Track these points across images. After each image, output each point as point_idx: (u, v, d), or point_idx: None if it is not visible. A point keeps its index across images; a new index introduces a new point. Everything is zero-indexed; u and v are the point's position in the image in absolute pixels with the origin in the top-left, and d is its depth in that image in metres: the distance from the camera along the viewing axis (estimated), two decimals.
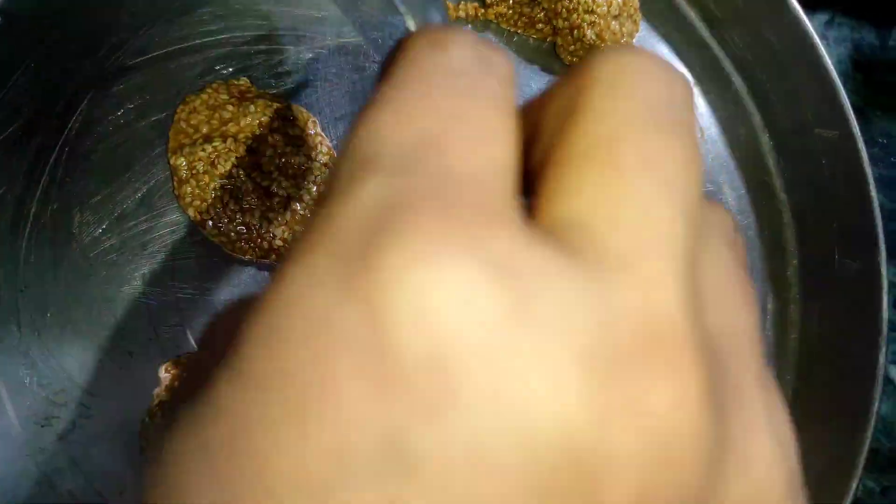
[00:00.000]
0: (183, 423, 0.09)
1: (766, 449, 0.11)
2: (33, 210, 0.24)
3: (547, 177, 0.11)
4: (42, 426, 0.23)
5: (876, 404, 0.21)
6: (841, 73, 0.23)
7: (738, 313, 0.12)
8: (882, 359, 0.21)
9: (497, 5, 0.25)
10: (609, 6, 0.23)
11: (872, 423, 0.21)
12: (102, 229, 0.24)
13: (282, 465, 0.08)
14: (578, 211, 0.10)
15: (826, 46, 0.23)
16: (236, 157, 0.26)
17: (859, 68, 0.27)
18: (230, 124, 0.26)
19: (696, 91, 0.25)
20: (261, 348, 0.09)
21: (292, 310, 0.09)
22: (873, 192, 0.22)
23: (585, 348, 0.09)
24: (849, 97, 0.22)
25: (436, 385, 0.08)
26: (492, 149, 0.10)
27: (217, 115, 0.26)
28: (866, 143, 0.22)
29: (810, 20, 0.22)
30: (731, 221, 0.14)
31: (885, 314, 0.22)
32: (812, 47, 0.23)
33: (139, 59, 0.24)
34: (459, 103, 0.11)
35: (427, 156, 0.10)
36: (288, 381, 0.09)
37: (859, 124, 0.22)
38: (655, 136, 0.11)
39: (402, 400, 0.08)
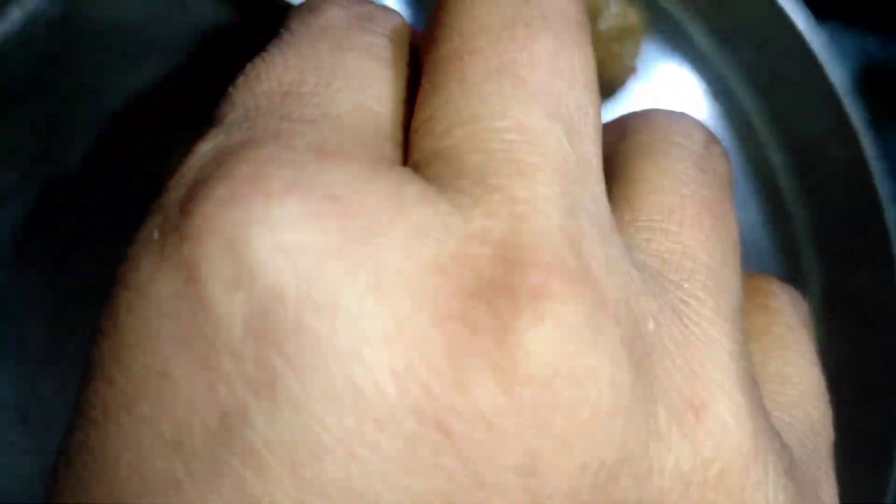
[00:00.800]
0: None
1: (722, 401, 0.09)
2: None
3: (415, 110, 0.10)
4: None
5: None
6: (851, 86, 0.22)
7: (690, 236, 0.10)
8: None
9: None
10: (608, 30, 0.23)
11: None
12: (100, 282, 0.24)
13: (126, 465, 0.07)
14: (438, 136, 0.09)
15: (835, 59, 0.22)
16: None
17: (869, 79, 0.26)
18: None
19: (703, 109, 0.24)
20: (102, 337, 0.08)
21: (121, 286, 0.08)
22: (886, 211, 0.22)
23: (433, 287, 0.08)
24: (860, 110, 0.22)
25: (263, 353, 0.07)
26: (356, 95, 0.09)
27: None
28: (881, 157, 0.22)
29: (818, 31, 0.22)
30: (700, 131, 0.12)
31: None
32: (817, 64, 0.22)
33: (132, 101, 0.23)
34: (323, 55, 0.10)
35: (275, 106, 0.09)
36: (123, 370, 0.08)
37: (873, 138, 0.22)
38: (516, 34, 0.09)
39: (231, 375, 0.07)
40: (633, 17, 0.23)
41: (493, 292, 0.07)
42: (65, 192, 0.23)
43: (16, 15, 0.24)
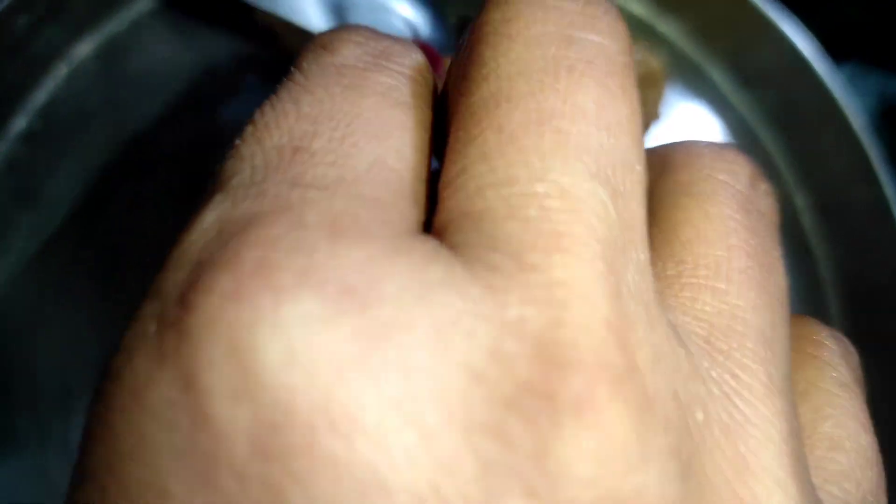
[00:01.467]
0: None
1: (775, 493, 0.08)
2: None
3: (445, 160, 0.09)
4: None
5: None
6: (870, 126, 0.23)
7: (739, 295, 0.09)
8: None
9: None
10: None
11: None
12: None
13: None
14: (469, 197, 0.08)
15: (854, 99, 0.23)
16: None
17: (888, 119, 0.26)
18: None
19: None
20: (94, 440, 0.07)
21: (115, 383, 0.07)
22: None
23: (464, 395, 0.07)
24: (880, 150, 0.22)
25: (271, 474, 0.06)
26: (374, 150, 0.09)
27: None
28: None
29: (836, 73, 0.22)
30: (746, 167, 0.11)
31: None
32: (836, 105, 0.22)
33: (168, 154, 0.24)
34: (338, 102, 0.09)
35: (286, 166, 0.08)
36: (117, 482, 0.07)
37: (893, 177, 0.22)
38: (559, 80, 0.08)
39: (235, 498, 0.06)
40: (655, 63, 0.23)
41: (531, 400, 0.07)
42: (112, 240, 0.24)
43: (62, 70, 0.25)
